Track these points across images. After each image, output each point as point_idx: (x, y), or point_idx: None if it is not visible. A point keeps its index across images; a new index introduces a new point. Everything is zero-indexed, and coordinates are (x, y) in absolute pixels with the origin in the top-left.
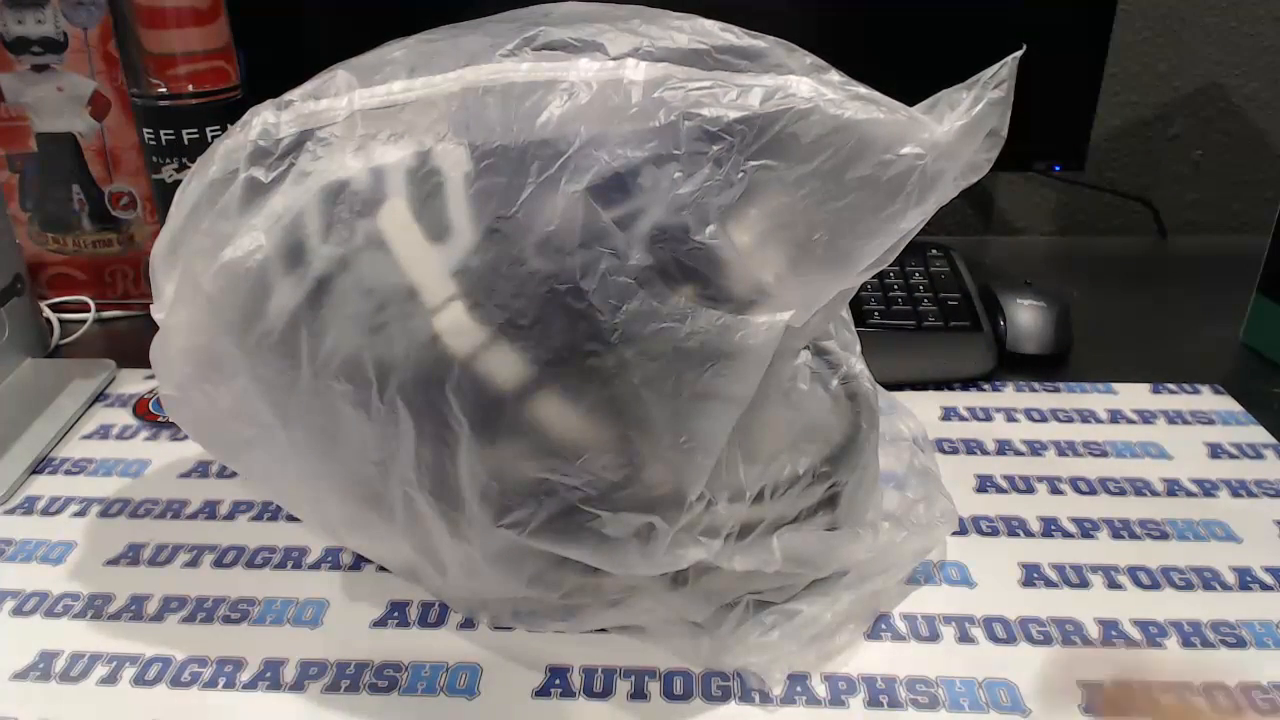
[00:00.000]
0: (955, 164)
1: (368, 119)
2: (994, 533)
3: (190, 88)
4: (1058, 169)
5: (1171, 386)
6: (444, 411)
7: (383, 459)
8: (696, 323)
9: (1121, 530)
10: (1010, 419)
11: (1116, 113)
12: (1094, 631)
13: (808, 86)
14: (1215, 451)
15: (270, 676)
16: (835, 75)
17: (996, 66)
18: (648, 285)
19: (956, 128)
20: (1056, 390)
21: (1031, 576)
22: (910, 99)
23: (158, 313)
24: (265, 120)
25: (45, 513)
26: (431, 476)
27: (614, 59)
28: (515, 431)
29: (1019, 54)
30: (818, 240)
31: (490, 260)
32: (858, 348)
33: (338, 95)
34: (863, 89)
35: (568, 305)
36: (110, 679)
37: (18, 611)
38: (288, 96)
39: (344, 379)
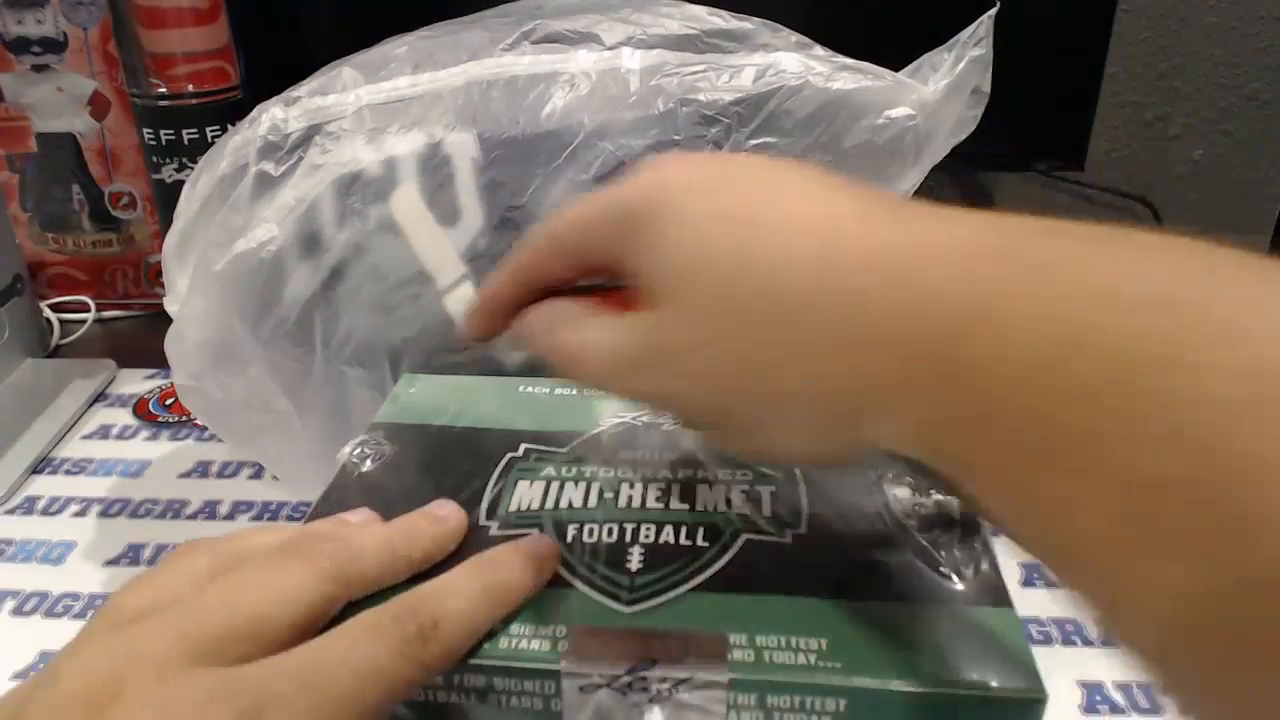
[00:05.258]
0: (945, 122)
1: (376, 113)
2: (994, 533)
3: (190, 88)
4: (1058, 169)
5: None
6: None
7: None
8: None
9: None
10: None
11: (1116, 113)
12: (1094, 631)
13: (796, 62)
14: None
15: None
16: (820, 50)
17: (974, 25)
18: None
19: (942, 87)
20: None
21: (1031, 576)
22: None
23: (171, 305)
24: (274, 116)
25: (45, 513)
26: None
27: (610, 48)
28: None
29: (994, 11)
30: None
31: (502, 248)
32: None
33: (344, 91)
34: (848, 60)
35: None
36: None
37: (18, 611)
38: (294, 92)
39: (357, 363)
